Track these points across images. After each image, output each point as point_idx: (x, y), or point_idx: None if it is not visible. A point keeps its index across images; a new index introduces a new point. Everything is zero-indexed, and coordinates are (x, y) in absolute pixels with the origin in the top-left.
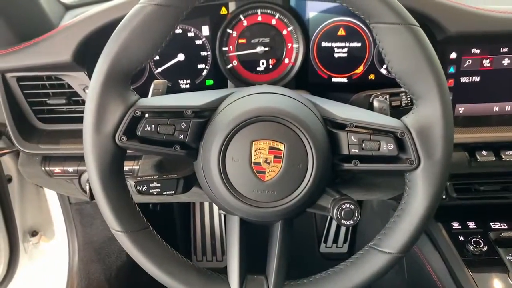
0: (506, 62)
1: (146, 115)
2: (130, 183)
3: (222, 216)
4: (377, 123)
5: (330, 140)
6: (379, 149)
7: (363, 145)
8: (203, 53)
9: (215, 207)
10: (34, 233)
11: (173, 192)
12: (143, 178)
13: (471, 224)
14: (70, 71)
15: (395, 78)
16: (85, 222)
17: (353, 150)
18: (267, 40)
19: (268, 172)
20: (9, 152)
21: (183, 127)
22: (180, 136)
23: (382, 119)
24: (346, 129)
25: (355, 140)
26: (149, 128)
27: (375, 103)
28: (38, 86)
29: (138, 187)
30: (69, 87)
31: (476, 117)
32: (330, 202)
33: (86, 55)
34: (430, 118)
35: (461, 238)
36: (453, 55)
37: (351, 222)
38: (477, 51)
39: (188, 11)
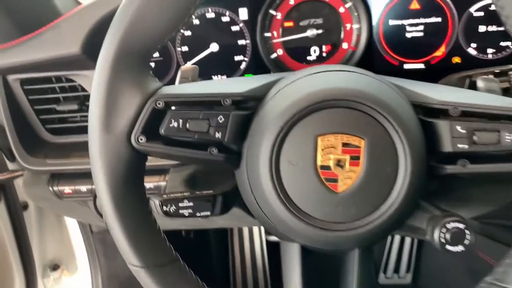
0: None
1: (172, 107)
2: (155, 202)
3: (263, 241)
4: (494, 106)
5: (424, 134)
6: (498, 142)
7: (475, 137)
8: (241, 42)
9: (255, 231)
10: (55, 267)
11: (209, 213)
12: (171, 196)
13: None
14: (82, 68)
15: (489, 56)
16: (108, 253)
17: (460, 146)
18: (319, 21)
19: (342, 180)
20: (18, 176)
21: (220, 122)
22: (217, 135)
23: (500, 100)
24: (448, 116)
25: (463, 131)
26: (175, 124)
27: (480, 83)
28: (46, 91)
29: (164, 208)
30: (82, 89)
31: None
32: (427, 221)
33: (98, 46)
34: None
35: None
36: None
37: (461, 247)
38: None
39: None
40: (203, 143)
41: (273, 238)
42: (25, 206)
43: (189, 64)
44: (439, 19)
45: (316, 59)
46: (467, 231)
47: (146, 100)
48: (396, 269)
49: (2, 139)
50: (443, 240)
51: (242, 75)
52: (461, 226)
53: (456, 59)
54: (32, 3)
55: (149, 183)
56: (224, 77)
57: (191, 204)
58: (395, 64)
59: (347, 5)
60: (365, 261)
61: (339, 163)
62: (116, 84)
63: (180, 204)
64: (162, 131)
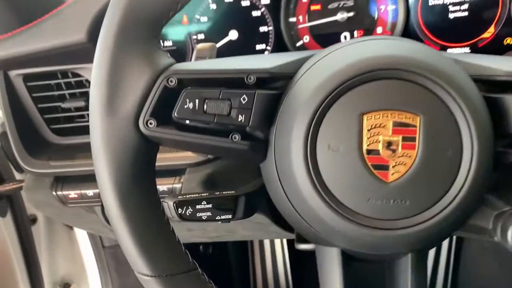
0: None
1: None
2: (168, 204)
3: (286, 254)
4: None
5: (489, 112)
6: None
7: None
8: (263, 29)
9: (277, 243)
10: (66, 286)
11: (230, 216)
12: (187, 197)
13: None
14: (89, 61)
15: None
16: (121, 270)
17: None
18: (350, 3)
19: (393, 167)
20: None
21: (244, 102)
22: (240, 117)
23: None
24: None
25: None
26: (190, 106)
27: None
28: (51, 87)
29: (180, 210)
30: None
31: None
32: (493, 218)
33: None
34: None
35: None
36: None
37: None
38: None
39: None
40: (223, 128)
41: (305, 246)
42: (34, 220)
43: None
44: None
45: None
46: None
47: (156, 76)
48: (432, 284)
49: (8, 147)
50: None
51: None
52: None
53: (509, 40)
54: None
55: (162, 185)
56: None
57: (209, 206)
58: (437, 49)
59: None
60: (419, 270)
61: (389, 146)
62: (121, 58)
63: (198, 206)
64: (175, 113)
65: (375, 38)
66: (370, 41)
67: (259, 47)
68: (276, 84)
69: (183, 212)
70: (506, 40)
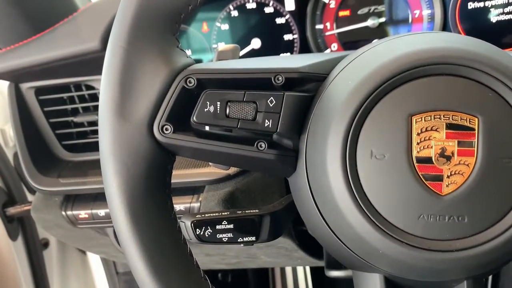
0: None
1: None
2: (186, 224)
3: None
4: None
5: None
6: None
7: None
8: (288, 37)
9: (300, 270)
10: None
11: (254, 238)
12: (206, 216)
13: None
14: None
15: None
16: None
17: None
18: (381, 8)
19: (448, 178)
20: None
21: (271, 105)
22: (267, 122)
23: None
24: None
25: None
26: (211, 109)
27: None
28: (64, 101)
29: (198, 231)
30: None
31: None
32: None
33: None
34: None
35: None
36: None
37: None
38: None
39: None
40: (248, 135)
41: (338, 273)
42: (46, 244)
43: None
44: None
45: None
46: None
47: (173, 77)
48: None
49: (20, 167)
50: None
51: None
52: None
53: None
54: (51, 3)
55: (179, 204)
56: None
57: (231, 226)
58: None
59: None
60: None
61: (443, 153)
62: (134, 56)
63: (218, 227)
64: (194, 118)
65: (421, 33)
66: (416, 35)
67: (284, 55)
68: (308, 86)
69: (201, 233)
70: None
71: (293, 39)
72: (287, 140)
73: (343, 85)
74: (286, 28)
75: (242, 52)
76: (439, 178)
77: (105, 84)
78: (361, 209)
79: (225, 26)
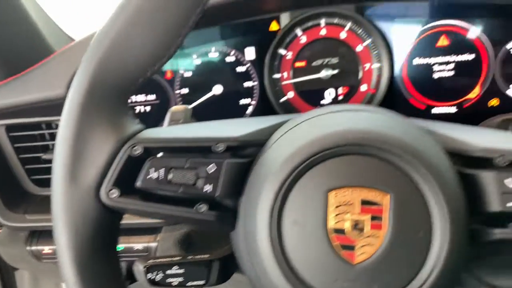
0: None
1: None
2: (139, 268)
3: None
4: None
5: (464, 188)
6: None
7: None
8: (248, 84)
9: None
10: None
11: (203, 282)
12: (158, 261)
13: None
14: None
15: None
16: None
17: (510, 204)
18: (334, 60)
19: (360, 248)
20: None
21: (210, 172)
22: (207, 188)
23: None
24: (494, 167)
25: None
26: (155, 175)
27: None
28: (35, 138)
29: (149, 275)
30: None
31: None
32: None
33: None
34: None
35: None
36: None
37: None
38: None
39: None
40: (191, 198)
41: None
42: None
43: (180, 105)
44: (471, 56)
45: (332, 102)
46: None
47: (121, 145)
48: None
49: None
50: None
51: None
52: None
53: (493, 102)
54: (22, 41)
55: (138, 243)
56: None
57: (182, 271)
58: (422, 108)
59: (365, 43)
60: None
61: (356, 226)
62: (86, 124)
63: (168, 271)
64: (138, 183)
65: (349, 109)
66: (343, 112)
67: (243, 101)
68: (246, 152)
69: (153, 278)
70: (491, 101)
71: (253, 86)
72: (227, 202)
73: (274, 155)
74: (246, 76)
75: (204, 97)
76: (352, 248)
77: (59, 148)
78: (283, 270)
79: (189, 73)
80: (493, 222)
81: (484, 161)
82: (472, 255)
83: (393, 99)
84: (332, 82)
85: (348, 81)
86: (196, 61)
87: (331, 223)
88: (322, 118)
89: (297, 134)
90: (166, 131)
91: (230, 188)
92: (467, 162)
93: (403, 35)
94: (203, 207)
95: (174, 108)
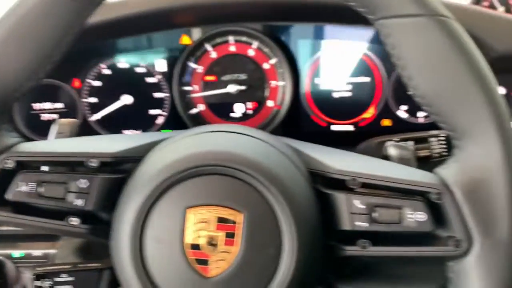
0: None
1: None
2: (27, 276)
3: None
4: (397, 178)
5: (322, 207)
6: (401, 221)
7: (374, 214)
8: (158, 95)
9: None
10: None
11: None
12: (47, 268)
13: None
14: None
15: (420, 119)
16: None
17: (358, 223)
18: (243, 76)
19: (214, 262)
20: None
21: (81, 187)
22: (78, 202)
23: (406, 172)
24: (346, 189)
25: (362, 207)
26: (26, 189)
27: (392, 151)
28: None
29: (37, 283)
30: None
31: None
32: None
33: None
34: (485, 167)
35: None
36: (501, 91)
37: None
38: None
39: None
40: (64, 211)
41: None
42: None
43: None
44: (368, 79)
45: (241, 116)
46: None
47: None
48: None
49: None
50: None
51: (159, 131)
52: None
53: (386, 122)
54: None
55: (37, 250)
56: (139, 132)
57: (71, 278)
58: (323, 125)
59: (271, 61)
60: None
61: (211, 242)
62: None
63: (57, 279)
64: (8, 195)
65: (220, 130)
66: (215, 133)
67: (153, 112)
68: (124, 167)
69: (41, 285)
70: (384, 121)
71: (164, 97)
72: (102, 215)
73: (142, 174)
74: (157, 87)
75: (112, 107)
76: (206, 263)
77: None
78: (144, 284)
79: (97, 83)
80: (346, 240)
81: (342, 182)
82: (334, 269)
83: (297, 116)
84: (240, 97)
85: (255, 96)
86: (105, 71)
87: (188, 239)
88: (190, 139)
89: (164, 153)
90: (43, 145)
91: (103, 202)
92: (327, 183)
93: (307, 55)
94: (75, 220)
95: (61, 120)
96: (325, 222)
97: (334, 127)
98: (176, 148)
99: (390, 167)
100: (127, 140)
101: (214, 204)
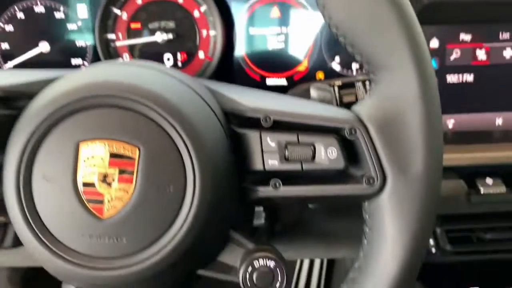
0: (508, 54)
1: None
2: None
3: None
4: (309, 114)
5: (236, 148)
6: (313, 158)
7: (286, 152)
8: (80, 43)
9: None
10: None
11: None
12: None
13: None
14: None
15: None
16: None
17: (270, 162)
18: (171, 25)
19: (109, 202)
20: None
21: None
22: None
23: (319, 109)
24: (259, 127)
25: (273, 145)
26: None
27: (313, 93)
28: None
29: None
30: None
31: (473, 133)
32: (241, 257)
33: None
34: (401, 99)
35: None
36: (434, 43)
37: None
38: (467, 37)
39: None
40: None
41: None
42: None
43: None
44: (300, 29)
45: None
46: (278, 271)
47: None
48: None
49: None
50: (249, 282)
51: None
52: (272, 264)
53: (320, 75)
54: None
55: None
56: None
57: None
58: (257, 78)
59: (202, 9)
60: None
61: (105, 179)
62: None
63: None
64: None
65: (110, 64)
66: (102, 66)
67: (75, 61)
68: (16, 104)
69: None
70: (318, 74)
71: (86, 45)
72: None
73: (30, 109)
74: (78, 34)
75: (28, 54)
76: (101, 202)
77: None
78: (31, 228)
79: (10, 27)
80: (259, 180)
81: (253, 121)
82: (247, 215)
83: (230, 68)
84: (169, 47)
85: (185, 47)
86: (19, 14)
87: (80, 177)
88: (90, 70)
89: (57, 86)
90: None
91: None
92: (240, 122)
93: (240, 4)
94: None
95: None
96: (239, 164)
97: (269, 81)
98: (70, 80)
99: (305, 105)
100: (22, 75)
101: (107, 138)
